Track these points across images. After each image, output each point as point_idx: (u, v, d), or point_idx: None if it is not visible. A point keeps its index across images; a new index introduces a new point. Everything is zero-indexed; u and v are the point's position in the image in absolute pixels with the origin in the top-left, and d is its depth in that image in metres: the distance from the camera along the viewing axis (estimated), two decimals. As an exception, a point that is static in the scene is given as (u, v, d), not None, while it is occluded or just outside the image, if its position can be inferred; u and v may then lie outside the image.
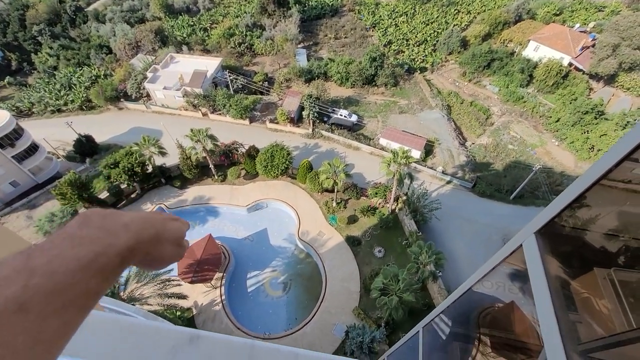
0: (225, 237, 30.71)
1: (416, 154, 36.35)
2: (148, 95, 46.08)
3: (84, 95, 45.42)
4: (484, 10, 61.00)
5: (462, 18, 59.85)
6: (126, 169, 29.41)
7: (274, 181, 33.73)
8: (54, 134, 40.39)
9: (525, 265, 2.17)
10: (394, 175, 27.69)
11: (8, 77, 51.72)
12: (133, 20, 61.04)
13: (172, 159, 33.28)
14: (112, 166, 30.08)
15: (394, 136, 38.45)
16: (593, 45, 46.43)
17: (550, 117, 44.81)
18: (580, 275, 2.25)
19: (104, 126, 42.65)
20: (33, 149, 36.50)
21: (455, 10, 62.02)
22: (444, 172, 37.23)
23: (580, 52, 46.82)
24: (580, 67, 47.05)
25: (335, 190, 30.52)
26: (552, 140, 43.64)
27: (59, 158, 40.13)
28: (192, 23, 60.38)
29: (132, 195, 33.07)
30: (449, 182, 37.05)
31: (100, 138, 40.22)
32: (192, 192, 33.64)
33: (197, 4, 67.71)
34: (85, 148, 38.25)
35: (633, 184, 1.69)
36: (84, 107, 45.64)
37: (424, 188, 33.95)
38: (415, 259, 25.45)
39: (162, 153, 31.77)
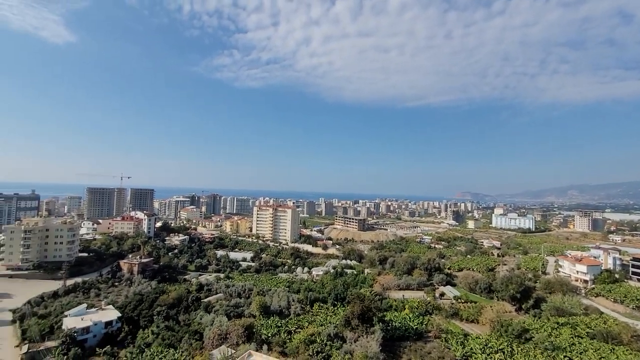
0: None
1: None
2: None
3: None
4: (606, 363, 51.37)
5: (578, 368, 50.45)
6: None
7: None
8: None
9: None
10: None
11: (108, 346, 56.90)
12: (233, 314, 69.38)
13: None
14: None
15: None
16: None
17: None
18: None
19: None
20: None
21: (564, 356, 53.98)
22: None
23: None
24: None
25: None
26: None
27: None
28: (279, 324, 64.95)
29: None
30: None
31: None
32: None
33: (290, 308, 75.98)
34: None
35: None
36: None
37: None
38: None
39: None
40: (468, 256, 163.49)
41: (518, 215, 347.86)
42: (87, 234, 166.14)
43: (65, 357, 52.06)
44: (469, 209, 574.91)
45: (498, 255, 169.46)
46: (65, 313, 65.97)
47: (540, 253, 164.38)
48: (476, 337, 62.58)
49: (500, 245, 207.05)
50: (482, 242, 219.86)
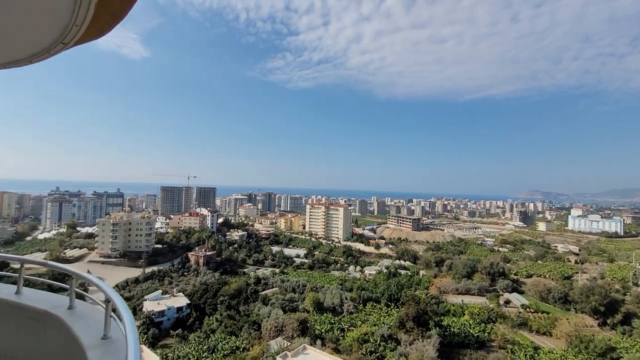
0: None
1: None
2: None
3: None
4: None
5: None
6: None
7: None
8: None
9: None
10: None
11: (180, 329, 63.27)
12: (288, 308, 72.12)
13: None
14: None
15: None
16: None
17: None
18: None
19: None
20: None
21: (664, 383, 46.22)
22: None
23: None
24: None
25: None
26: None
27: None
28: (333, 321, 65.82)
29: None
30: None
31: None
32: None
33: (343, 306, 76.49)
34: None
35: None
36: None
37: None
38: None
39: None
40: (538, 261, 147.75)
41: (602, 217, 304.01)
42: (161, 227, 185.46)
43: (145, 336, 59.13)
44: (539, 210, 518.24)
45: (576, 262, 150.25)
46: (145, 297, 74.82)
47: (630, 261, 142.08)
48: (549, 352, 56.67)
49: (579, 250, 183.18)
50: (556, 246, 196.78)
